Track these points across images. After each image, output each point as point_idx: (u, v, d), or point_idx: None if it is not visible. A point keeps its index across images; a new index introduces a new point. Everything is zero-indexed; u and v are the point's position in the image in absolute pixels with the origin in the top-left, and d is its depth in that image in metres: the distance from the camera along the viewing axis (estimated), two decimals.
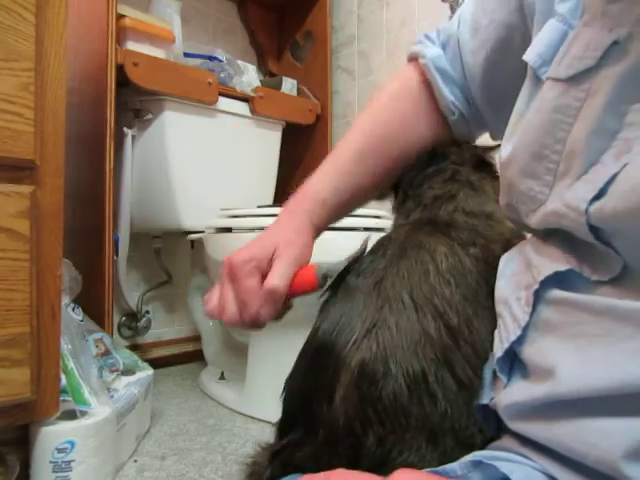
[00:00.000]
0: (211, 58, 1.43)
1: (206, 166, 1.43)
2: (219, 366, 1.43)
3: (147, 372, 1.08)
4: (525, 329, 0.33)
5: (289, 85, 1.66)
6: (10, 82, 0.70)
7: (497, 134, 0.55)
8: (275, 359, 1.12)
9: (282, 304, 0.43)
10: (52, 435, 0.78)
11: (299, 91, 1.70)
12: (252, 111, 1.50)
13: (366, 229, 1.04)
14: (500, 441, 0.35)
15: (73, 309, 0.95)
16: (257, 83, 1.53)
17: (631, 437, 0.25)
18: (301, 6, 1.74)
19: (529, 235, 0.40)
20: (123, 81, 1.20)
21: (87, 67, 1.22)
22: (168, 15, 1.37)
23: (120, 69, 1.18)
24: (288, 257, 0.43)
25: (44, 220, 0.75)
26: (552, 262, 0.32)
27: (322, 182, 0.51)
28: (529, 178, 0.34)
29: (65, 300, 0.90)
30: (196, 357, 1.61)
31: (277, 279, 0.41)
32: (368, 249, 0.46)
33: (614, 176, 0.27)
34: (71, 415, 0.81)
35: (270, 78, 1.76)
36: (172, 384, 1.43)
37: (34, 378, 0.74)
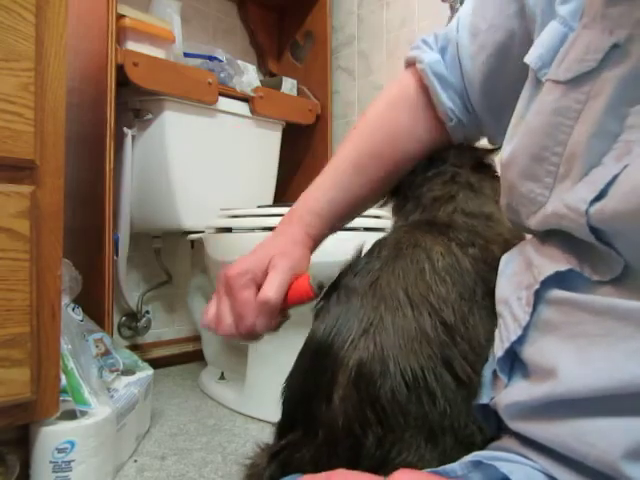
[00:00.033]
0: (211, 58, 1.43)
1: (206, 166, 1.43)
2: (219, 366, 1.43)
3: (147, 372, 1.08)
4: (526, 329, 0.33)
5: (289, 85, 1.66)
6: (10, 82, 0.70)
7: (496, 139, 0.54)
8: (275, 359, 1.12)
9: (278, 315, 0.42)
10: (52, 435, 0.78)
11: (299, 91, 1.70)
12: (252, 111, 1.50)
13: (366, 229, 1.04)
14: (500, 441, 0.35)
15: (73, 309, 0.95)
16: (257, 83, 1.53)
17: (631, 437, 0.25)
18: (301, 6, 1.73)
19: (529, 236, 0.40)
20: (123, 81, 1.20)
21: (87, 67, 1.22)
22: (168, 15, 1.37)
23: (120, 69, 1.18)
24: (282, 268, 0.42)
25: (44, 220, 0.75)
26: (553, 262, 0.32)
27: (318, 194, 0.51)
28: (529, 180, 0.34)
29: (65, 300, 0.90)
30: (196, 357, 1.61)
31: (270, 290, 0.41)
32: (364, 253, 0.46)
33: (615, 177, 0.27)
34: (71, 415, 0.81)
35: (270, 78, 1.76)
36: (172, 384, 1.43)
37: (34, 378, 0.74)
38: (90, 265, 1.14)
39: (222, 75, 1.43)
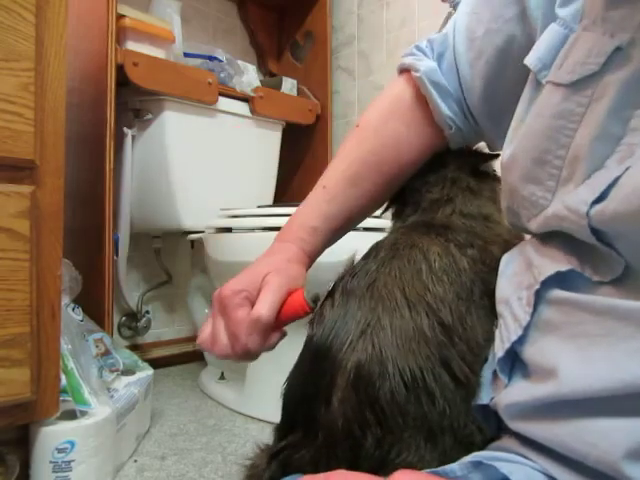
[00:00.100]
0: (211, 58, 1.43)
1: (206, 166, 1.43)
2: (219, 366, 1.43)
3: (147, 372, 1.08)
4: (526, 329, 0.33)
5: (289, 85, 1.66)
6: (10, 82, 0.70)
7: (495, 144, 0.54)
8: (275, 359, 1.12)
9: (273, 332, 0.42)
10: (52, 435, 0.78)
11: (299, 91, 1.70)
12: (252, 111, 1.50)
13: (366, 229, 1.04)
14: (500, 441, 0.35)
15: (73, 309, 0.95)
16: (257, 83, 1.53)
17: (632, 437, 0.25)
18: (301, 6, 1.73)
19: (528, 236, 0.40)
20: (123, 81, 1.20)
21: (87, 67, 1.22)
22: (168, 15, 1.37)
23: (120, 69, 1.18)
24: (275, 285, 0.42)
25: (44, 220, 0.75)
26: (553, 262, 0.32)
27: (312, 210, 0.51)
28: (531, 183, 0.34)
29: (65, 300, 0.90)
30: (196, 357, 1.61)
31: (263, 308, 0.41)
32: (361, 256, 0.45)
33: (616, 179, 0.27)
34: (71, 415, 0.81)
35: (270, 78, 1.76)
36: (172, 384, 1.43)
37: (34, 378, 0.74)
38: (90, 265, 1.14)
39: (222, 75, 1.43)
